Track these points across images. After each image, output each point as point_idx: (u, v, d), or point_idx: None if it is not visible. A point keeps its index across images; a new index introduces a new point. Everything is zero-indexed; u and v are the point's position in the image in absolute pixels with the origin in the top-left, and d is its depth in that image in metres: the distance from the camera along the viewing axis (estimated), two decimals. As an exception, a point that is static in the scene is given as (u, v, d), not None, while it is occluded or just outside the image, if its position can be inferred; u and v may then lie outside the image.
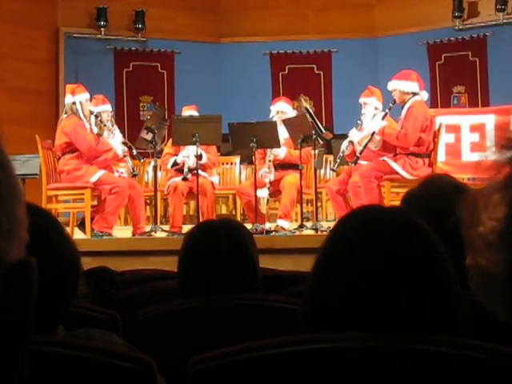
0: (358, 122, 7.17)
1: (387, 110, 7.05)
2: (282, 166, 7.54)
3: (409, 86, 6.93)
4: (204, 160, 7.61)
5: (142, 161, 7.79)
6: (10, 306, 0.68)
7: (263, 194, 7.39)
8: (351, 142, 7.10)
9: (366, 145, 6.90)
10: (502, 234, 0.64)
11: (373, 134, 6.88)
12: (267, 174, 7.43)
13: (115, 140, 7.28)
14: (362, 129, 7.11)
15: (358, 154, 6.94)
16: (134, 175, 7.45)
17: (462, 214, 0.69)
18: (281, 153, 7.46)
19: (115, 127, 7.47)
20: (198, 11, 11.49)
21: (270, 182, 7.42)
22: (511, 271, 0.64)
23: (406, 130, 6.81)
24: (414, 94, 6.95)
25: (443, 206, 1.64)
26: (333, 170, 7.43)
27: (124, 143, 7.35)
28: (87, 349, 1.43)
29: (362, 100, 7.31)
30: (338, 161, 7.13)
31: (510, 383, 1.26)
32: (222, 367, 1.38)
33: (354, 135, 7.11)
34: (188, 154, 7.57)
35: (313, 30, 11.46)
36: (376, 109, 7.16)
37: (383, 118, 6.99)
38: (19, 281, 0.68)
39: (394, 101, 7.01)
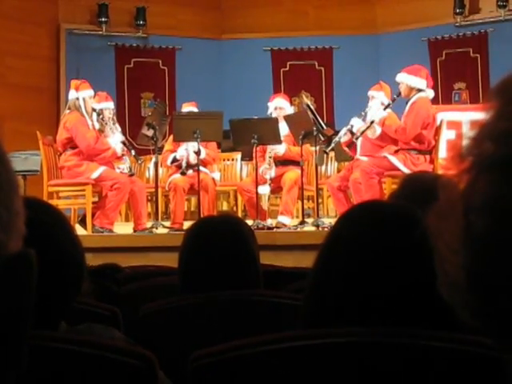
0: (362, 113, 7.15)
1: (390, 102, 7.05)
2: (282, 162, 7.55)
3: (416, 82, 6.93)
4: (203, 155, 7.57)
5: (139, 162, 7.74)
6: (10, 298, 0.67)
7: (264, 190, 7.39)
8: (350, 131, 7.08)
9: (364, 132, 6.89)
10: (463, 243, 0.65)
11: (372, 122, 6.89)
12: (268, 170, 7.42)
13: (115, 139, 7.25)
14: (365, 120, 7.10)
15: (354, 140, 6.94)
16: (131, 175, 7.31)
17: (430, 222, 0.70)
18: (281, 149, 7.46)
19: (116, 125, 7.44)
20: (199, 7, 11.49)
21: (271, 179, 7.42)
22: (468, 278, 0.65)
23: (405, 125, 6.82)
24: (420, 90, 6.95)
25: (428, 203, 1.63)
26: (324, 152, 7.27)
27: (123, 143, 7.31)
28: (89, 344, 1.43)
29: (370, 93, 7.30)
30: (333, 144, 7.07)
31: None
32: (222, 362, 1.38)
33: (356, 123, 7.09)
34: (187, 149, 7.54)
35: (314, 27, 11.44)
36: (382, 104, 7.16)
37: (385, 108, 6.99)
38: (19, 273, 0.68)
39: (399, 93, 7.01)
